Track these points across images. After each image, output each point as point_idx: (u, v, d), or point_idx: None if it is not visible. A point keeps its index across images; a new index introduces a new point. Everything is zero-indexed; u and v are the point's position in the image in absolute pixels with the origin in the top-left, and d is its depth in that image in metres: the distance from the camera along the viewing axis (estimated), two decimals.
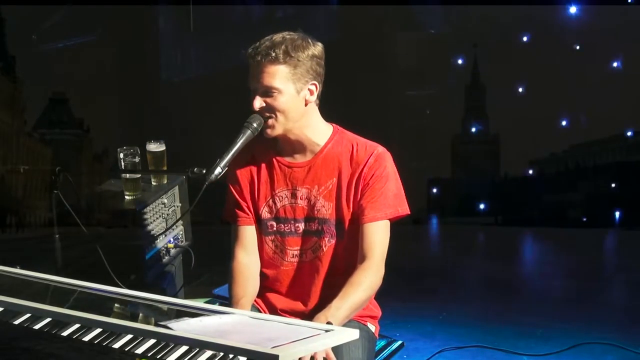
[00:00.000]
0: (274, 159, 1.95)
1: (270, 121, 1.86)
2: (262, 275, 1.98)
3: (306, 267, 1.93)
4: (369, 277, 1.83)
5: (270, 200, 1.93)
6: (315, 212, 1.90)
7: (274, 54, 1.80)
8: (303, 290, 1.95)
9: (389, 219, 1.90)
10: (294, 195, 1.92)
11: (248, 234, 1.96)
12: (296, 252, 1.93)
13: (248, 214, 1.96)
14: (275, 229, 1.94)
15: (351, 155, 1.92)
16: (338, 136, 1.94)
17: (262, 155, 1.96)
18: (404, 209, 1.92)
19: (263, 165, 1.95)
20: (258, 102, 1.84)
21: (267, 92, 1.83)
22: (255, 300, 1.98)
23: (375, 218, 1.88)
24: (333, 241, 1.91)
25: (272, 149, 1.95)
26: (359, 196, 1.89)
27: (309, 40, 1.86)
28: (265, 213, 1.94)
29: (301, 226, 1.92)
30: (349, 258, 1.91)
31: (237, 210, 1.96)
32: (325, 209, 1.90)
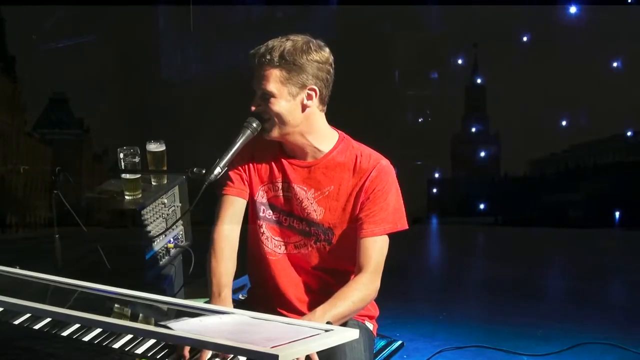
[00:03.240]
0: (277, 153, 1.95)
1: (266, 125, 1.86)
2: (253, 273, 1.99)
3: (291, 259, 1.94)
4: (362, 290, 1.83)
5: (266, 186, 1.94)
6: (306, 214, 1.91)
7: (268, 57, 1.81)
8: (284, 281, 1.95)
9: (387, 234, 1.90)
10: (288, 190, 1.93)
11: (237, 205, 1.94)
12: (278, 243, 1.94)
13: (243, 186, 1.95)
14: (265, 213, 1.95)
15: (355, 166, 1.91)
16: (343, 144, 1.94)
17: (267, 147, 1.96)
18: (402, 224, 1.93)
19: (266, 155, 1.96)
20: (253, 104, 1.87)
21: (263, 95, 1.85)
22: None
23: (374, 233, 1.88)
24: (319, 244, 1.92)
25: (276, 144, 1.95)
26: (358, 208, 1.89)
27: (311, 45, 1.84)
28: (259, 197, 1.95)
29: (289, 220, 1.93)
30: (337, 264, 1.93)
31: (232, 180, 1.95)
32: (317, 213, 1.90)
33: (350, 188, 1.90)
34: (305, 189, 1.91)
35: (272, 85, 1.82)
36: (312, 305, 1.90)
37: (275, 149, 1.95)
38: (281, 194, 1.93)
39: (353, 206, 1.89)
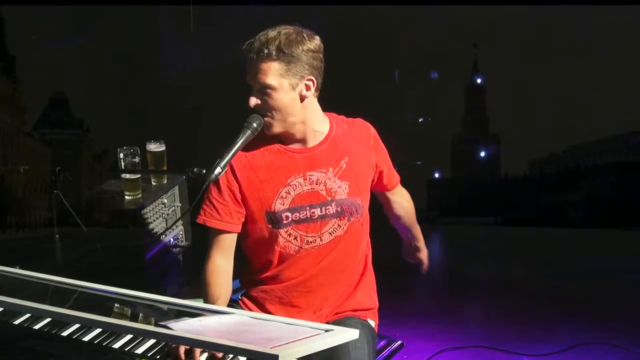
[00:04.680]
0: (281, 148, 1.91)
1: (267, 120, 1.84)
2: (269, 272, 1.96)
3: (324, 250, 1.91)
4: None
5: (284, 191, 1.89)
6: (333, 194, 1.89)
7: (266, 51, 1.78)
8: (321, 275, 1.92)
9: None
10: (309, 181, 1.89)
11: (230, 239, 1.92)
12: (312, 239, 1.90)
13: (231, 219, 1.91)
14: (290, 219, 1.90)
15: (354, 134, 1.95)
16: (335, 119, 1.97)
17: (267, 147, 1.92)
18: None
19: (270, 157, 1.91)
20: (253, 100, 1.83)
21: (262, 89, 1.82)
22: (257, 298, 1.98)
23: (399, 179, 2.15)
24: (353, 219, 1.91)
25: (276, 140, 1.92)
26: (375, 166, 1.99)
27: (304, 35, 1.83)
28: (278, 205, 1.89)
29: (317, 212, 1.89)
30: (366, 231, 1.98)
31: (219, 212, 1.90)
32: (342, 189, 1.90)
33: (363, 152, 1.95)
34: (324, 170, 1.89)
35: (272, 79, 1.80)
36: (331, 297, 1.93)
37: (275, 148, 1.91)
38: (302, 190, 1.89)
39: (370, 168, 1.97)
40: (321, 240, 1.91)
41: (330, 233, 1.91)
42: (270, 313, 1.94)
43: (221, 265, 1.90)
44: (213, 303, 1.84)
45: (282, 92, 1.81)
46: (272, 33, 1.81)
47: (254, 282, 1.99)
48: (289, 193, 1.89)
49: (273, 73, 1.79)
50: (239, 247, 1.98)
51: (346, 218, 1.90)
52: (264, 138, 1.90)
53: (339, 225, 1.91)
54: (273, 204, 1.89)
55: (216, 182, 1.88)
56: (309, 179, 1.89)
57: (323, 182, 1.89)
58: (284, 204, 1.89)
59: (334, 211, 1.90)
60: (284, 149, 1.90)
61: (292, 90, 1.82)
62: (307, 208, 1.89)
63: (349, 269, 1.96)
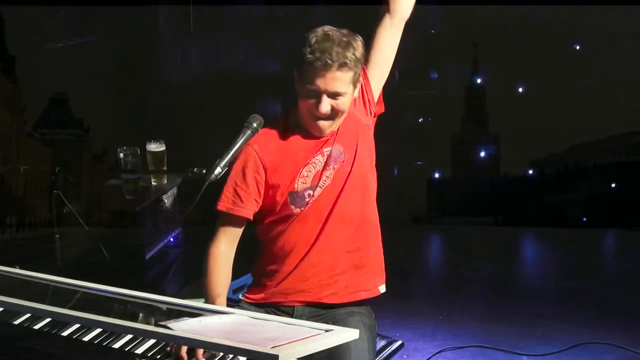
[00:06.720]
0: (305, 136, 1.94)
1: (326, 122, 1.87)
2: (286, 250, 1.95)
3: (323, 206, 1.93)
4: None
5: (305, 170, 1.92)
6: (341, 162, 1.93)
7: (348, 61, 1.81)
8: (328, 234, 1.93)
9: None
10: (328, 157, 1.92)
11: (240, 225, 1.95)
12: (330, 207, 1.92)
13: (251, 207, 1.93)
14: (313, 195, 1.92)
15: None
16: None
17: (290, 135, 1.95)
18: None
19: (294, 140, 1.94)
20: (325, 106, 1.84)
21: (333, 95, 1.85)
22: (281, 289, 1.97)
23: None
24: (337, 165, 1.92)
25: (299, 129, 1.95)
26: (371, 92, 2.00)
27: (357, 38, 1.88)
28: (300, 184, 1.92)
29: (337, 174, 1.93)
30: (370, 181, 1.97)
31: (246, 202, 1.93)
32: (349, 153, 1.93)
33: (350, 119, 1.95)
34: (339, 144, 1.93)
35: (346, 86, 1.84)
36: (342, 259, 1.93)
37: (297, 136, 1.94)
38: (320, 167, 1.92)
39: (357, 120, 1.97)
40: (341, 193, 1.92)
41: (320, 187, 1.92)
42: (284, 292, 1.94)
43: (225, 251, 1.93)
44: (213, 289, 1.86)
45: (349, 97, 1.87)
46: (338, 38, 1.83)
47: (271, 268, 1.98)
48: (310, 171, 1.93)
49: (347, 81, 1.84)
50: (240, 245, 1.99)
51: (331, 167, 1.92)
52: (286, 126, 1.94)
53: (327, 176, 1.92)
54: (295, 184, 1.92)
55: (240, 168, 1.91)
56: (325, 153, 1.93)
57: (338, 155, 1.93)
58: (305, 183, 1.92)
59: (344, 176, 1.93)
60: (308, 136, 1.93)
61: (353, 94, 1.89)
62: (324, 180, 1.92)
63: (353, 222, 1.95)
